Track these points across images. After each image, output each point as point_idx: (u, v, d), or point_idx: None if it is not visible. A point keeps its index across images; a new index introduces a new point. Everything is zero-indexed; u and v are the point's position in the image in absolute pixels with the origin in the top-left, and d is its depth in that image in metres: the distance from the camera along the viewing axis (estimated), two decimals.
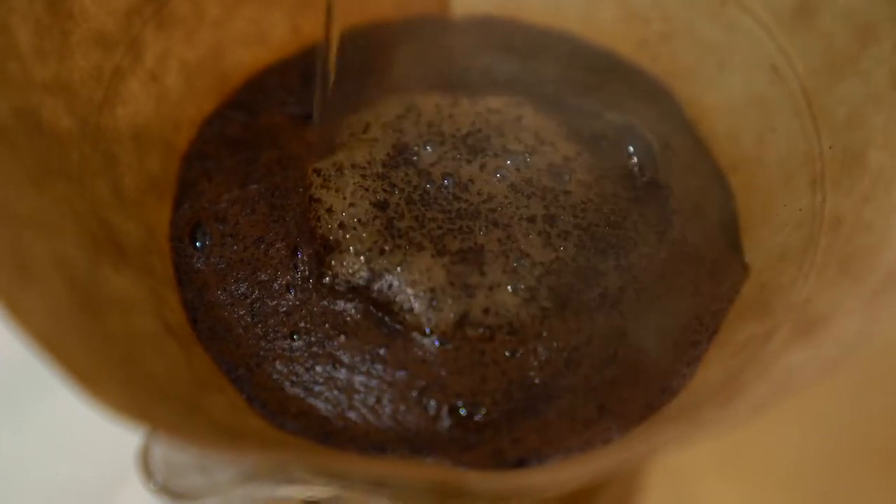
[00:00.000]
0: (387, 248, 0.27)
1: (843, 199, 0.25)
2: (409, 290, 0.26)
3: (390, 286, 0.27)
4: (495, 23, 0.35)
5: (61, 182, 0.24)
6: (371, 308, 0.27)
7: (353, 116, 0.31)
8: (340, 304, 0.27)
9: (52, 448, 0.32)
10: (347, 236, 0.27)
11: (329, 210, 0.28)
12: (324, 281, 0.27)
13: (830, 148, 0.26)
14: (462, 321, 0.26)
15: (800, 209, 0.27)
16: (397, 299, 0.26)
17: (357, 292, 0.27)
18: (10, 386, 0.33)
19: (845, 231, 0.24)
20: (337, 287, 0.27)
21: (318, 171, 0.29)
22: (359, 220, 0.27)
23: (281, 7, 0.33)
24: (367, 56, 0.33)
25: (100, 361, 0.20)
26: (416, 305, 0.26)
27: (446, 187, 0.29)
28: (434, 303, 0.26)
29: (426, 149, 0.29)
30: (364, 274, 0.27)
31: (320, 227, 0.28)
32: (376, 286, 0.27)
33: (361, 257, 0.27)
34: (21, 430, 0.32)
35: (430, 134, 0.30)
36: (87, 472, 0.32)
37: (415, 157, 0.29)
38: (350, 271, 0.27)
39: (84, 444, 0.32)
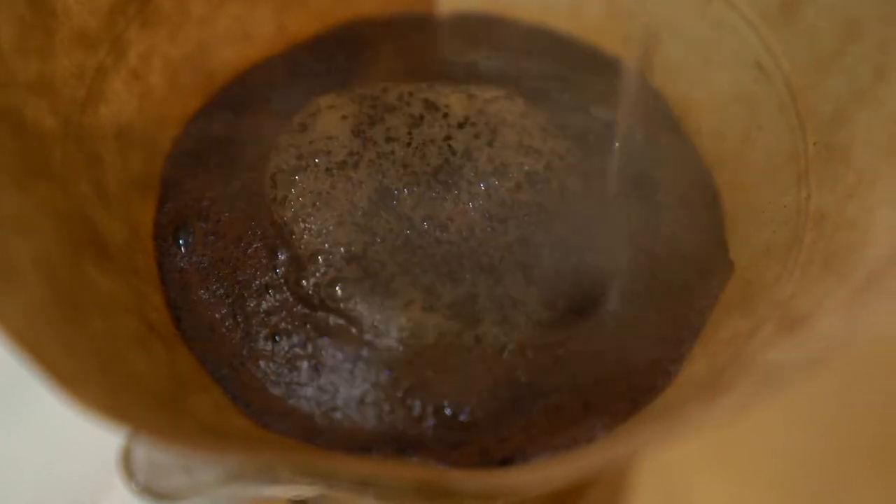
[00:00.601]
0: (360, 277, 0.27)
1: (827, 195, 0.25)
2: (396, 335, 0.26)
3: (373, 322, 0.26)
4: (481, 20, 0.35)
5: (44, 181, 0.24)
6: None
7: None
8: (321, 313, 0.27)
9: (39, 449, 0.32)
10: (322, 270, 0.27)
11: (300, 236, 0.28)
12: (302, 284, 0.27)
13: (815, 144, 0.26)
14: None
15: (785, 206, 0.27)
16: (379, 330, 0.26)
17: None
18: None
19: (829, 228, 0.25)
20: (315, 299, 0.27)
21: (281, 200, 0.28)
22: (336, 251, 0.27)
23: (266, 5, 0.33)
24: (349, 54, 0.33)
25: (81, 362, 0.20)
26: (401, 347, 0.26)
27: (427, 231, 0.28)
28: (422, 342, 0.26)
29: (404, 191, 0.29)
30: (342, 300, 0.27)
31: (293, 247, 0.28)
32: (356, 316, 0.27)
33: (338, 286, 0.27)
34: (7, 431, 0.32)
35: (407, 172, 0.29)
36: (74, 472, 0.31)
37: (395, 203, 0.28)
38: (327, 296, 0.27)
39: (71, 444, 0.32)
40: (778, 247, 0.26)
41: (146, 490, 0.21)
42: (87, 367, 0.20)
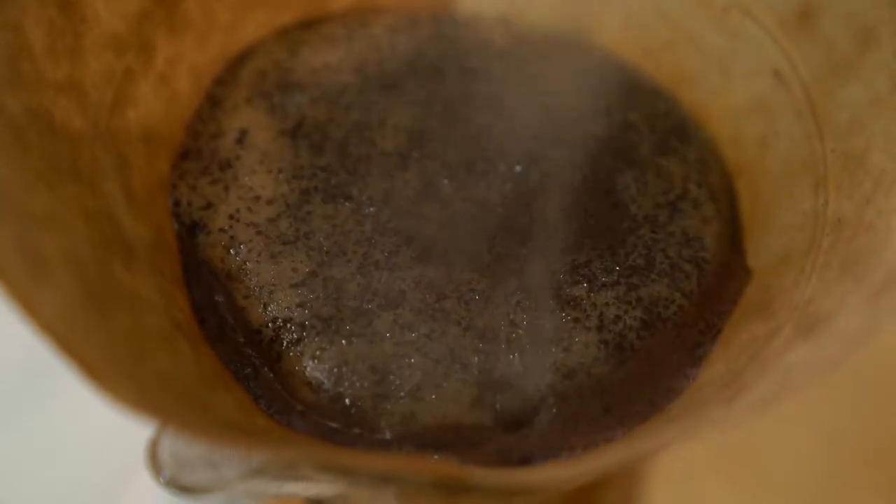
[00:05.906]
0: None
1: (845, 201, 0.26)
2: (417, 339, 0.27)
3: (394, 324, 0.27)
4: (499, 23, 0.35)
5: (73, 182, 0.24)
6: None
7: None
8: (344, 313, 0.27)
9: (62, 443, 0.32)
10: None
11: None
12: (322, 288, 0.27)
13: (833, 151, 0.27)
14: None
15: (803, 212, 0.27)
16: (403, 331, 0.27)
17: None
18: (20, 381, 0.33)
19: (847, 232, 0.25)
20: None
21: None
22: None
23: (291, 11, 0.33)
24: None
25: (111, 357, 0.20)
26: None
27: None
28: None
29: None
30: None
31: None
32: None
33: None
34: (31, 425, 0.33)
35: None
36: (95, 466, 0.32)
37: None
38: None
39: (93, 439, 0.32)
40: (796, 252, 0.26)
41: (172, 483, 0.21)
42: (116, 363, 0.20)
